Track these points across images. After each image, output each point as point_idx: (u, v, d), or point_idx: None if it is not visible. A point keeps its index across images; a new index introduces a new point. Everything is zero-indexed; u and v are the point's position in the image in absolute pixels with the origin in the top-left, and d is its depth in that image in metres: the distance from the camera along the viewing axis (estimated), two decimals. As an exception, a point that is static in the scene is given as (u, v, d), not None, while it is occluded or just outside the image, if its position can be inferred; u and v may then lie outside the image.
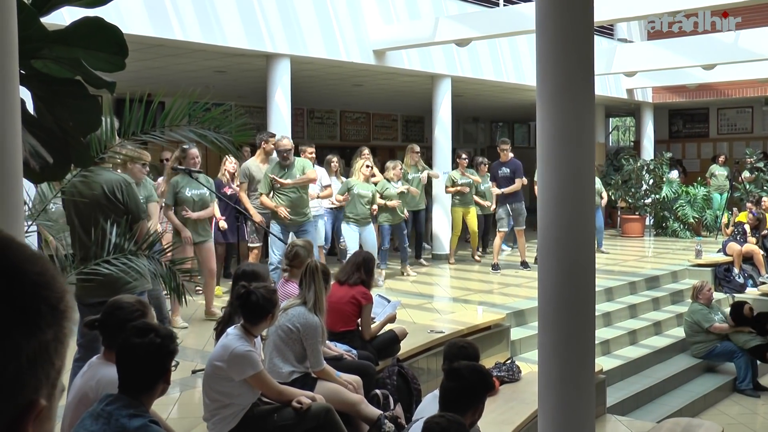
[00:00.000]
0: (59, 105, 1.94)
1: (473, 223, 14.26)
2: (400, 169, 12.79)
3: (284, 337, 5.79)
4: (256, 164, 10.80)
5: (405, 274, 12.78)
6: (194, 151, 9.16)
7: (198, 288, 9.89)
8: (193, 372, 6.90)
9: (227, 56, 12.19)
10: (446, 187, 14.25)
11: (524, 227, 13.57)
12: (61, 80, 1.90)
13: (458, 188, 14.01)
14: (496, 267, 13.43)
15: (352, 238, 11.35)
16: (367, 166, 11.73)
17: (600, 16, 9.90)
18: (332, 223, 12.33)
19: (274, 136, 10.90)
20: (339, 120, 21.98)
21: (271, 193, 10.02)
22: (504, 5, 15.93)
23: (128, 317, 4.01)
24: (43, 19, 1.81)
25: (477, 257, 14.67)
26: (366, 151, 12.60)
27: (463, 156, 14.51)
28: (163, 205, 9.30)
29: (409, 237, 13.52)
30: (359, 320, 7.05)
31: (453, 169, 14.63)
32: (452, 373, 4.49)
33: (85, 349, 5.55)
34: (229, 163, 11.52)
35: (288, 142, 10.22)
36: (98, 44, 1.87)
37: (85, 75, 1.90)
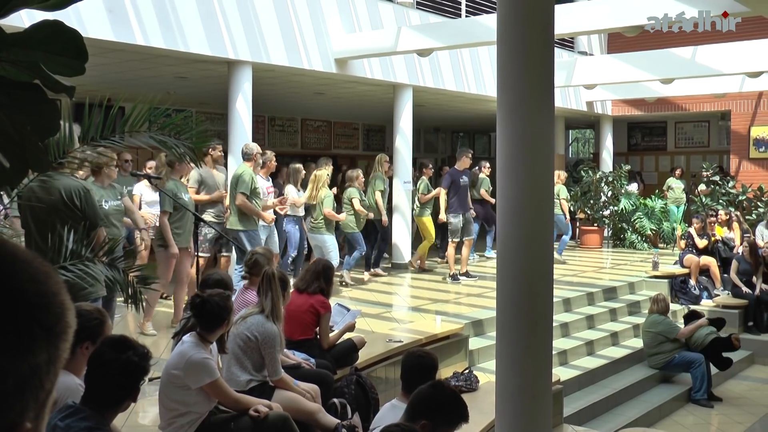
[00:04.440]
0: (16, 109, 1.91)
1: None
2: (362, 179, 12.90)
3: (242, 346, 5.77)
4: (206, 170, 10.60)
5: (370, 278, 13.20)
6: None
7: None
8: (150, 380, 6.83)
9: (189, 62, 12.12)
10: (422, 194, 14.31)
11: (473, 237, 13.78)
12: (18, 84, 1.88)
13: (432, 195, 14.17)
14: (469, 275, 13.58)
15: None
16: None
17: (561, 29, 10.00)
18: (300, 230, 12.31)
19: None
20: (300, 128, 21.93)
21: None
22: (466, 16, 16.03)
23: (86, 325, 3.97)
24: (1, 22, 1.79)
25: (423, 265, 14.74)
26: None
27: (430, 166, 14.89)
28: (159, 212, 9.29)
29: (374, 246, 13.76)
30: (318, 329, 7.03)
31: (418, 178, 14.89)
32: (437, 386, 4.40)
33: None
34: None
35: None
36: (58, 48, 1.85)
37: (43, 79, 1.88)
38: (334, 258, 11.49)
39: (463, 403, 4.40)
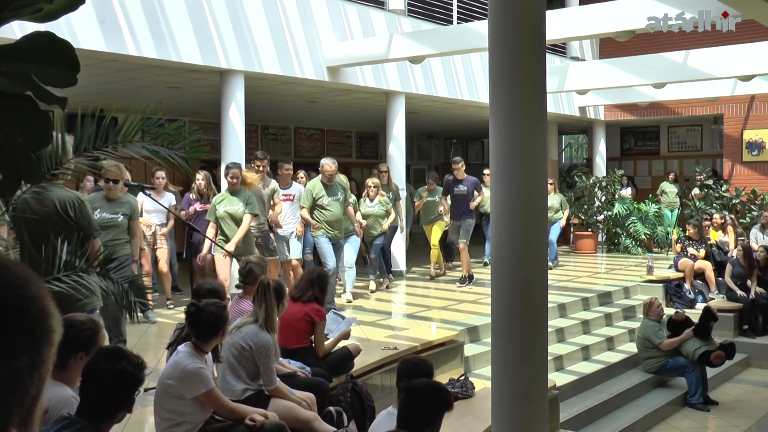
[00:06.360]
0: (9, 120, 1.91)
1: (437, 238, 14.49)
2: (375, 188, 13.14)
3: (237, 355, 5.76)
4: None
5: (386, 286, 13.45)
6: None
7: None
8: (145, 390, 6.81)
9: (181, 72, 12.11)
10: (415, 203, 14.69)
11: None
12: (10, 95, 1.88)
13: (423, 202, 14.63)
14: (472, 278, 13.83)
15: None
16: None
17: (552, 34, 10.01)
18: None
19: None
20: (293, 136, 21.93)
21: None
22: (458, 23, 16.04)
23: (79, 335, 3.96)
24: (-7, 34, 1.79)
25: (434, 272, 14.77)
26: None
27: (432, 181, 15.06)
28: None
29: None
30: (313, 337, 7.03)
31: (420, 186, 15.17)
32: (411, 391, 4.43)
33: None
34: (201, 179, 11.48)
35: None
36: (49, 59, 1.85)
37: (35, 90, 1.88)
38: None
39: (442, 394, 4.47)
